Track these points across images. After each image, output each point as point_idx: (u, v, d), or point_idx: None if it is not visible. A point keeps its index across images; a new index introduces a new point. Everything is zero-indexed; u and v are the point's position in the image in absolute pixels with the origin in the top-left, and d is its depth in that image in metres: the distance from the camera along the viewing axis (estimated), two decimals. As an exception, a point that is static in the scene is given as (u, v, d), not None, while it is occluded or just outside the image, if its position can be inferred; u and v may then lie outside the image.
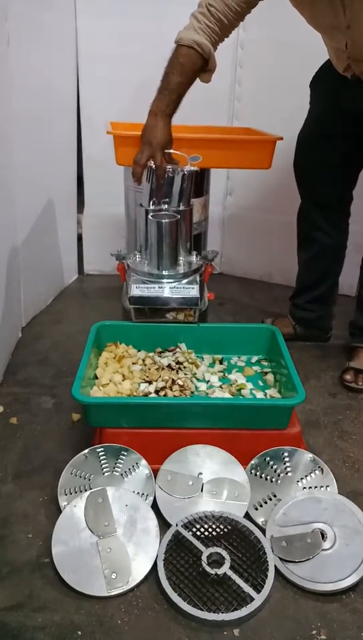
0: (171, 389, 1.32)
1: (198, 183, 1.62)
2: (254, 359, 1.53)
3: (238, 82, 2.13)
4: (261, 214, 2.29)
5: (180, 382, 1.34)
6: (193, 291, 1.45)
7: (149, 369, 1.39)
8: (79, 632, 0.95)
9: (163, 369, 1.40)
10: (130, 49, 2.05)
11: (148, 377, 1.37)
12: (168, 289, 1.45)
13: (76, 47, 2.05)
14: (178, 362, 1.43)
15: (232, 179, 2.30)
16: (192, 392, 1.35)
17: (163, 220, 1.43)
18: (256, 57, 2.06)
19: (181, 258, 1.52)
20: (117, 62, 2.07)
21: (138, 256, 1.54)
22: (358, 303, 1.73)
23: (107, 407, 1.23)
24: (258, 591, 0.99)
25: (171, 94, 1.42)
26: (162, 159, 1.41)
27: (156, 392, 1.32)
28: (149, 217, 1.44)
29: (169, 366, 1.41)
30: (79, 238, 2.38)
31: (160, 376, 1.36)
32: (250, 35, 2.05)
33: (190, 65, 1.40)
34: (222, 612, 0.96)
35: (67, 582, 1.01)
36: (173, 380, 1.33)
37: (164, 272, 1.47)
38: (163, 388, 1.32)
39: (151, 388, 1.32)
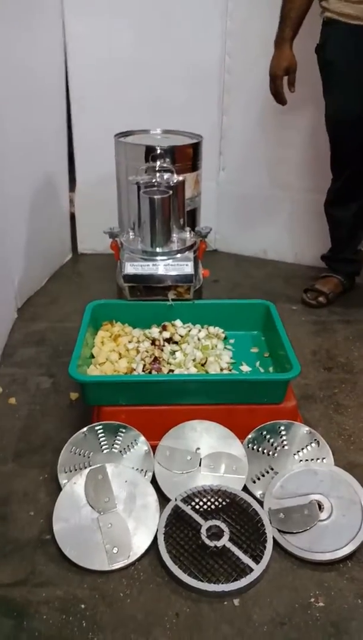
0: (151, 365, 1.32)
1: (190, 158, 1.60)
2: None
3: (228, 55, 2.09)
4: (255, 189, 2.27)
5: (161, 356, 1.35)
6: (187, 268, 1.44)
7: (138, 348, 1.40)
8: (82, 606, 0.96)
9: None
10: (119, 25, 2.01)
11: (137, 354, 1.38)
12: (162, 266, 1.45)
13: (63, 26, 2.00)
14: (167, 339, 1.43)
15: (225, 154, 2.27)
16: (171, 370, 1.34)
17: (155, 196, 1.41)
18: (245, 28, 2.02)
19: (174, 235, 1.51)
20: (105, 40, 2.03)
21: (131, 233, 1.54)
22: None
23: (104, 385, 1.24)
24: (257, 562, 1.01)
25: (284, 20, 1.66)
26: (279, 86, 1.72)
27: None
28: (141, 193, 1.43)
29: (153, 343, 1.41)
30: (72, 217, 2.36)
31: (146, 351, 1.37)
32: (239, 5, 2.00)
33: None
34: (222, 583, 0.98)
35: (69, 557, 1.03)
36: (155, 357, 1.34)
37: (157, 249, 1.47)
38: (144, 366, 1.32)
39: (139, 367, 1.32)
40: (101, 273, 2.17)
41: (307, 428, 1.25)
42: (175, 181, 1.49)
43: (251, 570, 1.00)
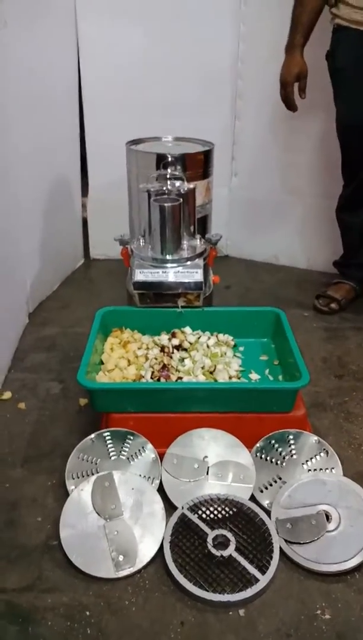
0: (159, 372, 1.32)
1: (201, 165, 1.61)
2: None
3: (240, 60, 2.09)
4: (267, 195, 2.27)
5: (169, 363, 1.35)
6: (197, 275, 1.45)
7: (148, 355, 1.40)
8: (88, 613, 0.97)
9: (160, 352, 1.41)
10: (132, 29, 2.02)
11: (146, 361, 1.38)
12: (172, 274, 1.45)
13: (76, 29, 2.02)
14: (176, 346, 1.43)
15: (237, 160, 2.27)
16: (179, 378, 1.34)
17: (166, 204, 1.42)
18: (258, 32, 2.02)
19: (184, 242, 1.51)
20: (118, 44, 2.04)
21: (141, 241, 1.54)
22: None
23: (112, 392, 1.24)
24: (263, 572, 1.01)
25: (295, 25, 1.65)
26: (290, 92, 1.72)
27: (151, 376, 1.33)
28: (152, 201, 1.44)
29: (162, 350, 1.41)
30: (85, 222, 2.38)
31: (155, 359, 1.37)
32: (251, 10, 2.01)
33: None
34: (227, 593, 0.98)
35: (75, 564, 1.03)
36: (163, 364, 1.34)
37: (167, 257, 1.47)
38: (152, 373, 1.32)
39: (148, 374, 1.33)
40: (112, 279, 2.18)
41: (316, 437, 1.24)
42: (186, 189, 1.49)
43: (257, 580, 1.00)
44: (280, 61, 1.72)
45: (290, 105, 1.76)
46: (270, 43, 1.90)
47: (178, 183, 1.51)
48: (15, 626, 0.95)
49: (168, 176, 1.53)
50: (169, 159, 1.55)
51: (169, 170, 1.54)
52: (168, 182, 1.51)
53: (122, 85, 2.09)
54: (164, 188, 1.49)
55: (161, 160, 1.56)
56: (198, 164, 1.61)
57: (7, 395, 1.52)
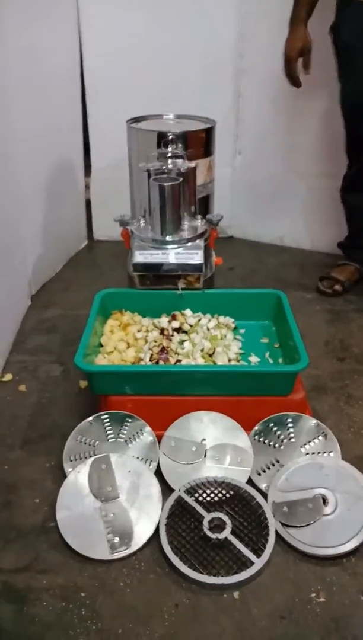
0: (158, 355, 1.31)
1: (203, 143, 1.57)
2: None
3: (243, 35, 2.04)
4: (273, 174, 2.23)
5: (169, 346, 1.34)
6: (197, 257, 1.43)
7: (147, 338, 1.39)
8: (82, 594, 0.97)
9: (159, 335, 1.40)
10: (133, 9, 1.98)
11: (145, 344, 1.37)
12: (172, 255, 1.43)
13: (78, 11, 1.98)
14: (176, 329, 1.42)
15: (241, 138, 2.23)
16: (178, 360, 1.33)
17: (165, 184, 1.39)
18: (262, 9, 1.97)
19: (185, 222, 1.49)
20: (119, 25, 2.00)
21: (141, 221, 1.52)
22: None
23: (110, 375, 1.24)
24: (259, 555, 1.01)
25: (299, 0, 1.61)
26: (294, 68, 1.67)
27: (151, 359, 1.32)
28: (151, 180, 1.41)
29: (162, 332, 1.40)
30: (88, 203, 2.35)
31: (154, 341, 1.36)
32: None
33: None
34: (222, 576, 0.98)
35: (71, 546, 1.04)
36: (162, 347, 1.33)
37: (167, 238, 1.45)
38: (151, 356, 1.31)
39: (146, 357, 1.32)
40: (116, 260, 2.16)
41: (315, 421, 1.23)
42: (186, 168, 1.47)
43: (252, 563, 1.00)
44: (285, 36, 1.67)
45: (293, 81, 1.71)
46: (275, 17, 1.85)
47: (178, 162, 1.49)
48: (11, 605, 0.96)
49: (168, 155, 1.50)
50: (170, 137, 1.52)
51: (170, 149, 1.51)
52: (168, 161, 1.48)
53: (124, 65, 2.05)
54: (164, 167, 1.46)
55: (161, 139, 1.53)
56: (200, 142, 1.58)
57: (8, 377, 1.52)
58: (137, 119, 1.67)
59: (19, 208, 1.73)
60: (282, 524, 1.07)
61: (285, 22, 1.66)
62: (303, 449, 1.20)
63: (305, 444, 1.21)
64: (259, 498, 1.10)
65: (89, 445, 1.21)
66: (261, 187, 2.28)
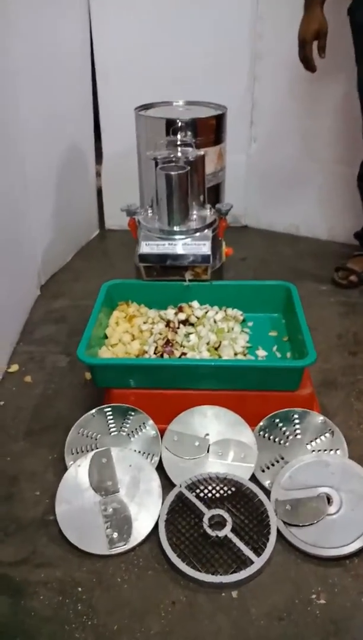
0: (162, 348, 1.29)
1: (213, 131, 1.53)
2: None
3: (260, 18, 1.98)
4: (289, 162, 2.17)
5: (174, 339, 1.32)
6: (205, 248, 1.39)
7: (152, 330, 1.37)
8: (80, 589, 0.97)
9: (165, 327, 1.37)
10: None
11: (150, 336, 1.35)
12: (179, 246, 1.40)
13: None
14: (182, 321, 1.40)
15: (257, 124, 2.17)
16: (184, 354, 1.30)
17: (172, 172, 1.36)
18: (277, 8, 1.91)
19: (193, 212, 1.46)
20: (130, 7, 1.96)
21: (149, 211, 1.49)
22: None
23: (112, 368, 1.22)
24: (259, 554, 0.99)
25: None
26: (309, 51, 1.62)
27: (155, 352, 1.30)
28: (158, 169, 1.38)
29: (168, 325, 1.37)
30: (99, 192, 2.33)
31: (159, 334, 1.34)
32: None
33: None
34: (220, 575, 0.96)
35: (69, 540, 1.03)
36: (167, 339, 1.30)
37: (175, 228, 1.42)
38: (156, 348, 1.29)
39: (151, 350, 1.30)
40: (127, 250, 2.10)
41: (322, 417, 1.20)
42: (194, 156, 1.43)
43: (252, 562, 0.98)
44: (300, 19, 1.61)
45: (308, 65, 1.66)
46: (291, 1, 1.80)
47: (187, 150, 1.45)
48: (8, 599, 0.95)
49: (177, 142, 1.46)
50: (179, 125, 1.48)
51: (178, 137, 1.48)
52: (177, 149, 1.45)
53: (135, 50, 2.02)
54: (172, 155, 1.43)
55: (170, 126, 1.49)
56: (210, 129, 1.54)
57: (14, 367, 1.51)
58: (146, 106, 1.63)
59: (27, 196, 1.71)
60: (284, 523, 1.04)
61: (302, 1, 1.59)
62: (309, 446, 1.17)
63: (311, 441, 1.18)
64: (262, 495, 1.07)
65: (91, 438, 1.20)
66: (277, 174, 2.22)
